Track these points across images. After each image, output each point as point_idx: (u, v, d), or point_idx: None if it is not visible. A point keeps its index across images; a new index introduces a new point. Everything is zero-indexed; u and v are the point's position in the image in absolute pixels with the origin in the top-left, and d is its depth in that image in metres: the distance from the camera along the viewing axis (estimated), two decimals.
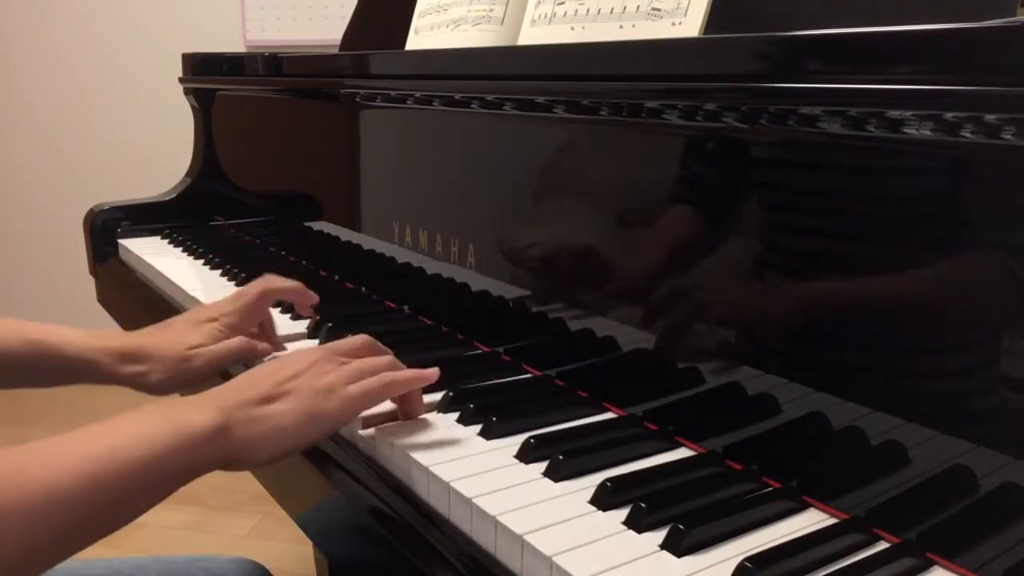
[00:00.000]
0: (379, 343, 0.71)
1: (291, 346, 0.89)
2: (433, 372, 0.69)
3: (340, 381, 0.63)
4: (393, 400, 0.68)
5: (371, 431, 0.67)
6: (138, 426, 0.54)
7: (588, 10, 0.79)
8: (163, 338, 0.80)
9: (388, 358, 0.69)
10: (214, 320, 0.82)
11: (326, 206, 1.21)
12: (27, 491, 0.47)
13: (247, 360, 0.82)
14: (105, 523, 0.51)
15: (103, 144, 2.76)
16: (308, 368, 0.63)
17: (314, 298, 0.90)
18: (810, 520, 0.55)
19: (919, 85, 0.48)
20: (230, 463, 0.58)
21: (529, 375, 0.80)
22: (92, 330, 0.80)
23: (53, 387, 0.79)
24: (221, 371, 0.82)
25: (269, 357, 0.83)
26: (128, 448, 0.52)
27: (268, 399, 0.60)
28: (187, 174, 1.56)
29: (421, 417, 0.69)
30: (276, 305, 0.97)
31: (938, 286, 0.51)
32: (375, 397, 0.65)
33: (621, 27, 0.76)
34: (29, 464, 0.48)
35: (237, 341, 0.81)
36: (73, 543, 0.50)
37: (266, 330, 0.88)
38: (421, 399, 0.70)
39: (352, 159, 1.12)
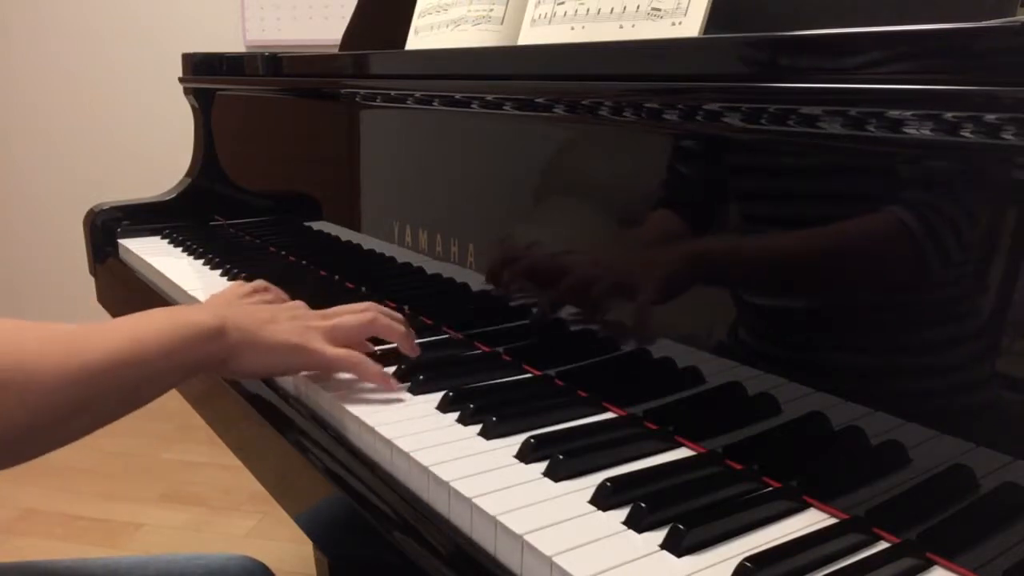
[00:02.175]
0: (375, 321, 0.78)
1: None
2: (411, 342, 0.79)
3: (326, 328, 0.74)
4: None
5: (371, 430, 0.67)
6: (153, 321, 0.65)
7: (588, 10, 0.79)
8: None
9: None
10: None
11: (326, 206, 1.21)
12: (67, 362, 0.56)
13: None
14: (122, 401, 0.61)
15: (103, 144, 2.76)
16: (302, 313, 0.76)
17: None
18: (810, 520, 0.55)
19: (919, 85, 0.48)
20: (221, 364, 0.69)
21: (529, 375, 0.80)
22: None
23: None
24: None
25: None
26: (146, 336, 0.62)
27: (264, 321, 0.71)
28: (187, 174, 1.56)
29: (421, 416, 0.69)
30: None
31: (938, 286, 0.51)
32: (353, 334, 0.76)
33: (621, 27, 0.76)
34: (71, 340, 0.58)
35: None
36: (94, 416, 0.59)
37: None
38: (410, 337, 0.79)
39: (352, 159, 1.12)
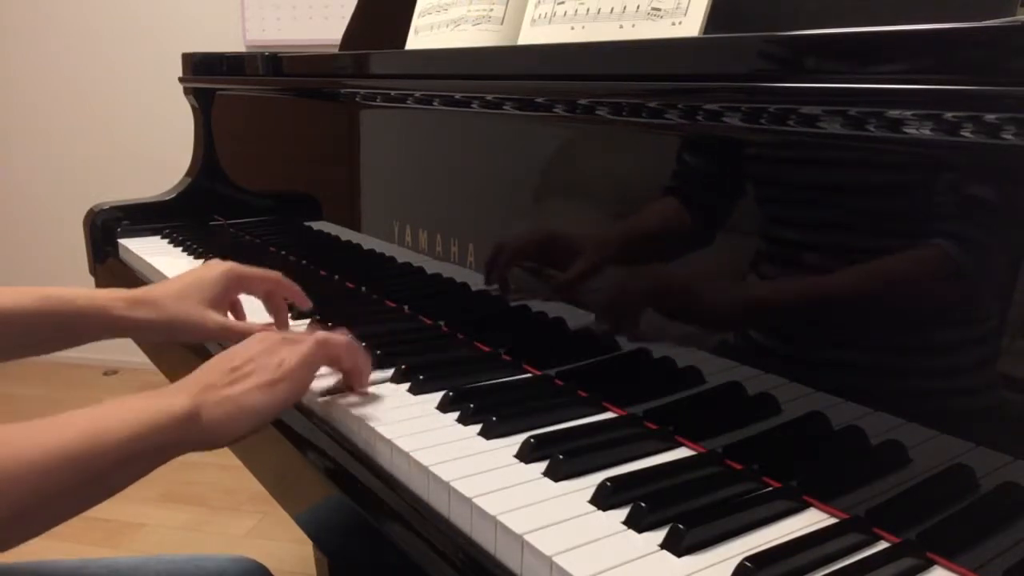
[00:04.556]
0: (336, 341, 0.74)
1: None
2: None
3: (290, 355, 0.69)
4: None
5: (371, 430, 0.67)
6: (117, 410, 0.59)
7: (588, 10, 0.79)
8: (170, 288, 0.87)
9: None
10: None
11: (326, 206, 1.21)
12: (13, 463, 0.52)
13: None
14: (85, 496, 0.56)
15: (103, 144, 2.76)
16: (261, 350, 0.69)
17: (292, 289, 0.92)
18: (810, 520, 0.55)
19: (919, 85, 0.48)
20: (203, 443, 0.64)
21: (529, 375, 0.80)
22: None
23: (66, 348, 0.82)
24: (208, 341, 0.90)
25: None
26: (108, 429, 0.57)
27: (231, 382, 0.65)
28: (187, 174, 1.56)
29: (421, 416, 0.69)
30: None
31: (938, 286, 0.51)
32: (314, 359, 0.70)
33: (621, 27, 0.76)
34: (17, 438, 0.53)
35: (258, 326, 0.86)
36: (55, 513, 0.55)
37: (240, 315, 0.94)
38: (364, 372, 0.75)
39: (352, 159, 1.12)
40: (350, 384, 0.75)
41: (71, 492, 0.55)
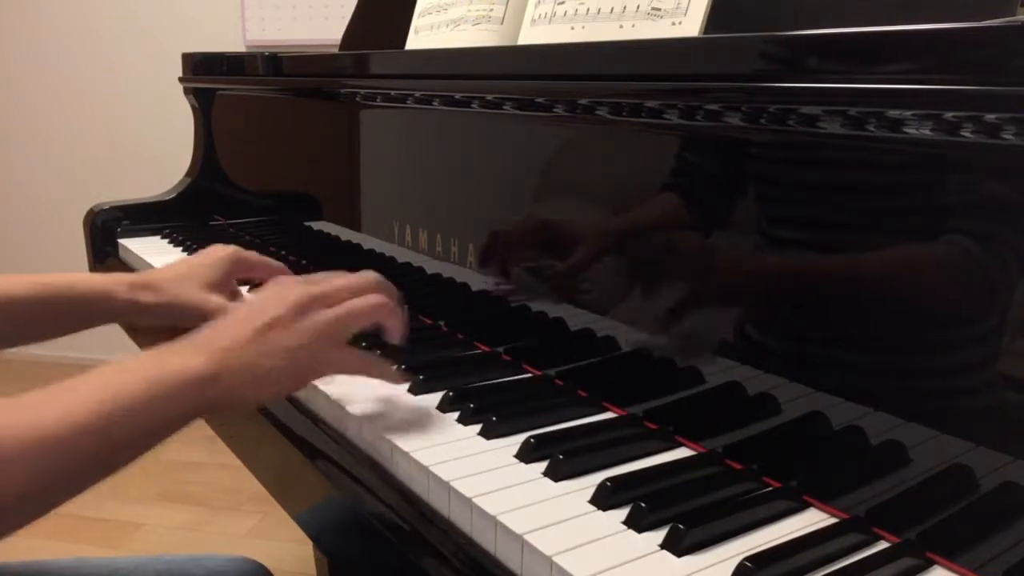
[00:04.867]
0: (365, 283, 0.69)
1: None
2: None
3: (334, 323, 0.64)
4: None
5: (371, 430, 0.67)
6: (134, 373, 0.55)
7: (588, 10, 0.79)
8: (171, 272, 0.86)
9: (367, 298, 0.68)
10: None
11: (326, 206, 1.21)
12: (23, 437, 0.49)
13: None
14: (101, 466, 0.53)
15: (103, 144, 2.76)
16: (288, 313, 0.63)
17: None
18: (810, 520, 0.55)
19: (919, 85, 0.48)
20: (221, 408, 0.60)
21: (529, 375, 0.80)
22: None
23: (66, 334, 0.81)
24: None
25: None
26: (125, 394, 0.53)
27: (255, 343, 0.61)
28: (187, 174, 1.56)
29: (421, 416, 0.69)
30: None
31: (938, 285, 0.51)
32: (347, 322, 0.65)
33: (621, 27, 0.76)
34: (18, 413, 0.50)
35: None
36: (71, 486, 0.52)
37: (238, 300, 0.92)
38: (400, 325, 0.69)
39: (352, 159, 1.12)
40: (386, 338, 0.70)
41: (73, 470, 0.52)
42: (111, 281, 0.81)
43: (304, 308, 0.64)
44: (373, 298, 0.67)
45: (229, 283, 0.89)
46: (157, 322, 0.86)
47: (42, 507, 0.51)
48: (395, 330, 0.69)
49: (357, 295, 0.67)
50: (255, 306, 0.64)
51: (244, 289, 0.99)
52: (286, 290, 0.65)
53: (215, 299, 0.84)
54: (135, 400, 0.54)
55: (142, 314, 0.82)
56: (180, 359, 0.57)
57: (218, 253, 0.88)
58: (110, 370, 0.55)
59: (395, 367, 0.72)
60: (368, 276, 0.70)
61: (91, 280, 0.81)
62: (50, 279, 0.79)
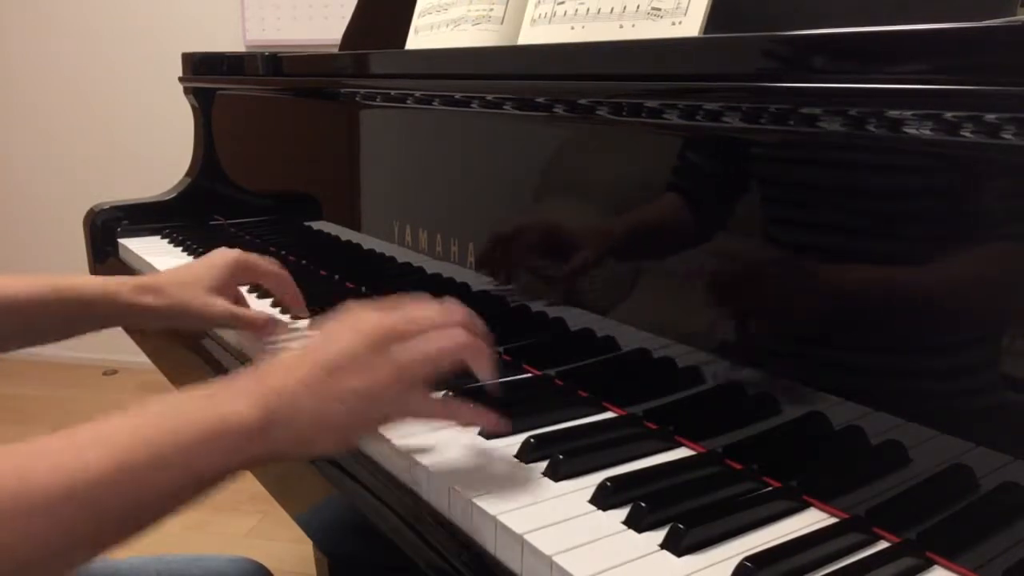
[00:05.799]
0: (454, 313, 0.59)
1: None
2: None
3: (397, 370, 0.54)
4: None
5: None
6: (167, 419, 0.48)
7: (588, 10, 0.79)
8: (175, 275, 0.87)
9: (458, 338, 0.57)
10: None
11: (326, 206, 1.21)
12: (33, 493, 0.43)
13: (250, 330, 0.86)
14: (125, 527, 0.47)
15: (103, 144, 2.76)
16: (361, 350, 0.54)
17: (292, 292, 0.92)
18: (810, 520, 0.55)
19: (919, 85, 0.48)
20: (266, 462, 0.52)
21: (529, 375, 0.80)
22: None
23: (69, 336, 0.81)
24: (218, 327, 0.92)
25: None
26: (153, 445, 0.46)
27: (318, 385, 0.52)
28: (187, 174, 1.56)
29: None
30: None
31: (938, 285, 0.51)
32: (425, 371, 0.56)
33: (621, 27, 0.76)
34: (38, 464, 0.44)
35: (263, 316, 0.86)
36: (93, 545, 0.46)
37: (242, 304, 0.92)
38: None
39: (352, 159, 1.12)
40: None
41: (97, 528, 0.45)
42: (115, 284, 0.81)
43: (380, 343, 0.54)
44: (459, 334, 0.57)
45: (233, 287, 0.89)
46: (160, 325, 0.87)
47: (62, 567, 0.46)
48: (485, 371, 0.59)
49: (440, 328, 0.57)
50: (319, 339, 0.55)
51: (249, 292, 1.00)
52: (359, 321, 0.56)
53: (219, 303, 0.84)
54: (164, 454, 0.46)
55: (145, 317, 0.82)
56: (226, 402, 0.49)
57: (222, 257, 0.88)
58: (151, 411, 0.48)
59: (493, 412, 0.61)
60: (454, 309, 0.60)
61: (95, 282, 0.81)
62: (53, 281, 0.79)
